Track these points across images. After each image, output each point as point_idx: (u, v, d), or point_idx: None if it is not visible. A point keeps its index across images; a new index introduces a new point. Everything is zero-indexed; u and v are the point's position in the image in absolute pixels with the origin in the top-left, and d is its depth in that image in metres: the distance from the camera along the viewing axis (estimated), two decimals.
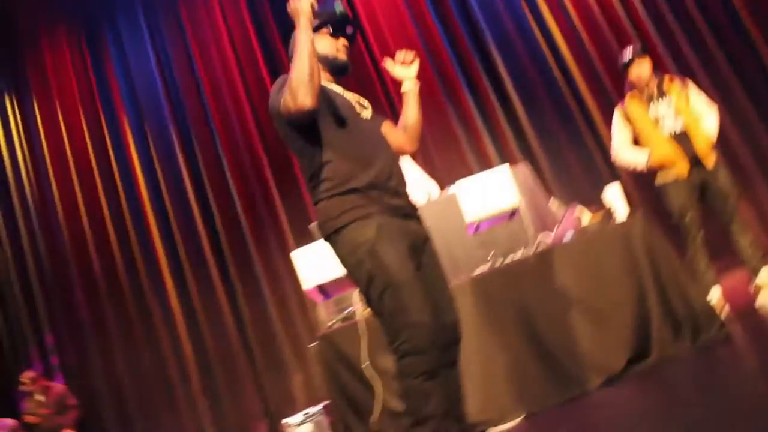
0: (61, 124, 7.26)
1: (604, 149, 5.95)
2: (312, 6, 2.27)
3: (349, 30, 2.53)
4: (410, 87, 2.67)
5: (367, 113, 2.49)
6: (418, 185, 5.05)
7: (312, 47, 2.22)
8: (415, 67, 2.70)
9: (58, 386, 6.41)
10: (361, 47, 6.77)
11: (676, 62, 6.11)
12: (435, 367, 2.22)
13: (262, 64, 7.06)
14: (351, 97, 2.49)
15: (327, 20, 2.48)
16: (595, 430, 2.61)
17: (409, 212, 2.40)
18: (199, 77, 7.13)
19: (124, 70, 7.35)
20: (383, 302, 2.24)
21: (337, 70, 2.52)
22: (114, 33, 7.40)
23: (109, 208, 7.10)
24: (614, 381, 3.12)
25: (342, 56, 2.52)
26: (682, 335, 3.18)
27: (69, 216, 7.09)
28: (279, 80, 2.39)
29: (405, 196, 2.41)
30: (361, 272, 2.26)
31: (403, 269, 2.22)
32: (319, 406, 3.73)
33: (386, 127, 2.58)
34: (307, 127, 2.30)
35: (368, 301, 2.31)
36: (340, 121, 2.34)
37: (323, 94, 2.32)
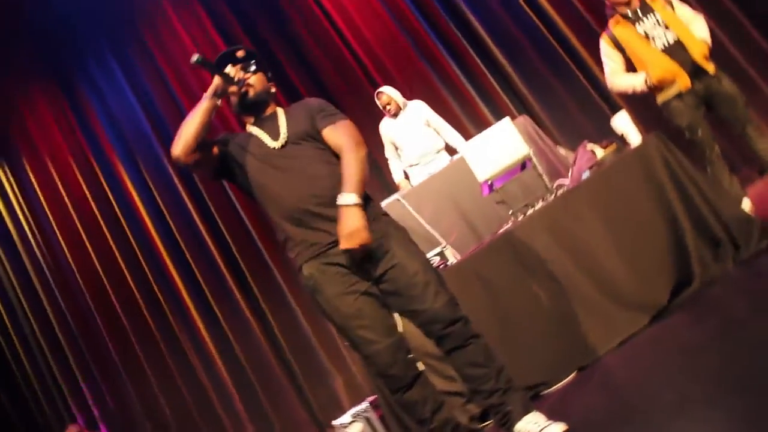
0: (57, 181, 7.21)
1: (600, 85, 5.78)
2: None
3: (228, 68, 2.46)
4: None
5: (278, 142, 2.40)
6: (430, 138, 4.95)
7: (197, 108, 2.40)
8: None
9: None
10: (326, 24, 6.63)
11: None
12: (404, 382, 2.32)
13: None
14: (260, 132, 2.45)
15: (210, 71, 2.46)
16: (650, 370, 2.48)
17: (332, 241, 2.29)
18: (179, 99, 7.02)
19: (105, 113, 7.26)
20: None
21: (246, 107, 2.51)
22: (87, 79, 7.32)
23: (120, 252, 7.03)
24: (663, 315, 2.97)
25: (239, 92, 2.47)
26: (723, 253, 3.03)
27: (83, 268, 7.04)
28: None
29: (322, 226, 2.30)
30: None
31: (339, 312, 2.31)
32: (365, 403, 3.62)
33: (327, 133, 2.43)
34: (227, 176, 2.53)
35: None
36: (244, 174, 2.44)
37: (229, 147, 2.48)
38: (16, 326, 7.28)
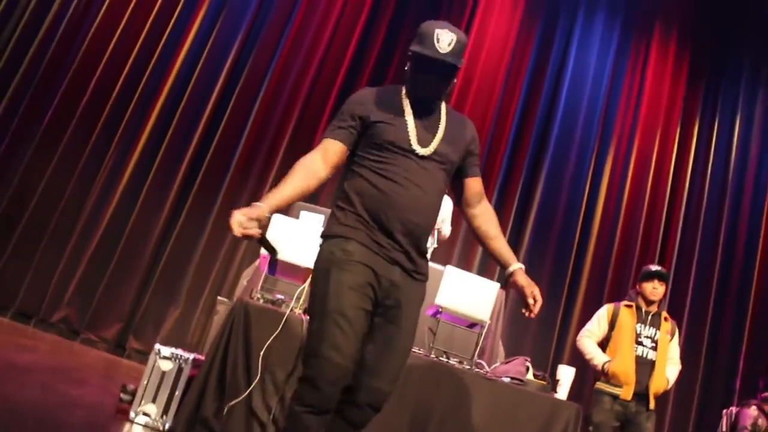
0: None
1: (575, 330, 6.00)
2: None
3: None
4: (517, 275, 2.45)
5: (425, 150, 2.31)
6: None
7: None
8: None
9: None
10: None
11: (671, 301, 6.27)
12: (325, 407, 2.15)
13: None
14: (412, 126, 2.33)
15: None
16: None
17: (398, 260, 2.28)
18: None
19: None
20: (312, 321, 2.22)
21: (417, 93, 2.38)
22: None
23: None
24: None
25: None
26: None
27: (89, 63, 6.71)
28: None
29: (404, 245, 2.28)
30: (313, 283, 2.29)
31: (342, 301, 2.17)
32: (191, 355, 3.58)
33: (470, 182, 2.49)
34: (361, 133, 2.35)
35: (310, 311, 2.28)
36: (379, 147, 2.31)
37: (371, 118, 2.32)
38: None
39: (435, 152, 2.32)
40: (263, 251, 3.67)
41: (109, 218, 6.21)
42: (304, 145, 6.45)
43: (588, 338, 4.26)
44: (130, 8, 6.64)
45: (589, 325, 4.33)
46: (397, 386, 2.32)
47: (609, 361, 4.08)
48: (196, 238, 6.34)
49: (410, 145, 2.29)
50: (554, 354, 6.09)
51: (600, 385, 4.12)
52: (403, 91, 2.40)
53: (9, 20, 6.64)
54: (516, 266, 2.41)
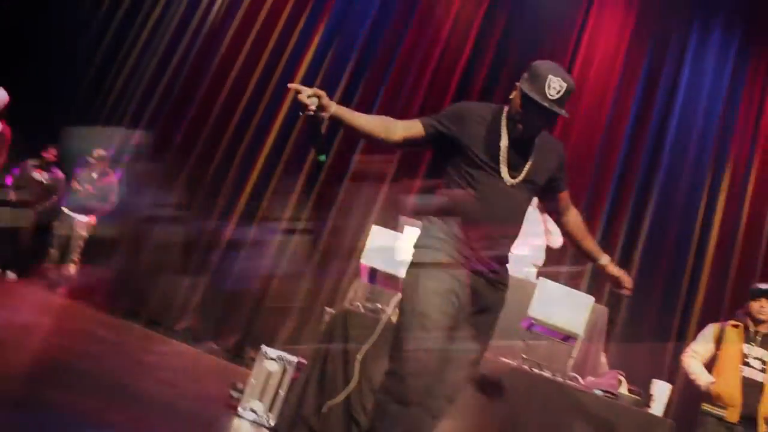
0: None
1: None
2: None
3: None
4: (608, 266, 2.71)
5: (513, 179, 2.45)
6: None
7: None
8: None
9: None
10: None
11: None
12: (409, 399, 2.31)
13: None
14: (505, 155, 2.45)
15: None
16: None
17: (480, 271, 2.44)
18: None
19: None
20: (400, 321, 2.41)
21: (517, 135, 2.47)
22: None
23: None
24: None
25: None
26: None
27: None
28: None
29: (486, 257, 2.45)
30: (404, 288, 2.46)
31: (427, 304, 2.34)
32: (295, 358, 3.83)
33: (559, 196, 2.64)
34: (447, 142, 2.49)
35: (399, 312, 2.47)
36: (469, 166, 2.45)
37: (457, 133, 2.46)
38: None
39: (522, 180, 2.47)
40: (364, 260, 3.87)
41: (229, 237, 6.72)
42: (416, 156, 6.70)
43: (692, 358, 4.14)
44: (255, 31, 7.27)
45: (694, 345, 4.21)
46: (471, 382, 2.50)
47: (713, 382, 3.96)
48: (309, 253, 6.69)
49: (499, 171, 2.44)
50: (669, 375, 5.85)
51: (705, 406, 3.99)
52: (504, 114, 2.50)
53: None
54: (605, 259, 2.69)
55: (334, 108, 2.29)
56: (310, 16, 7.42)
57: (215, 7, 7.63)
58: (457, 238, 2.41)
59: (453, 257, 2.41)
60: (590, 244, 2.72)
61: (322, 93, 2.24)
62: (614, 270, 2.69)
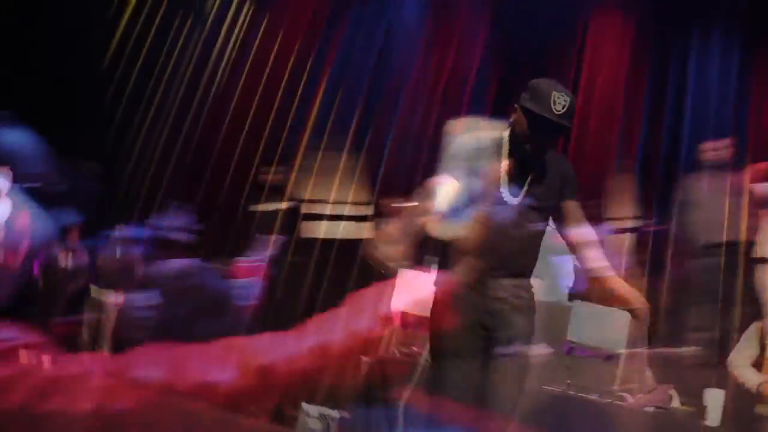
0: None
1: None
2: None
3: None
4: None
5: (516, 200, 2.47)
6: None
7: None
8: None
9: None
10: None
11: None
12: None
13: None
14: (506, 178, 2.47)
15: None
16: None
17: (502, 297, 2.46)
18: None
19: None
20: (430, 360, 2.60)
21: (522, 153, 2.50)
22: None
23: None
24: None
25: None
26: None
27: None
28: None
29: (507, 284, 2.47)
30: (430, 324, 2.58)
31: (453, 339, 2.43)
32: (337, 414, 3.80)
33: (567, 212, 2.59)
34: None
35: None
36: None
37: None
38: None
39: (526, 200, 2.48)
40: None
41: None
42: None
43: (739, 359, 4.03)
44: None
45: (738, 348, 4.11)
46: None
47: (764, 382, 3.84)
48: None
49: (502, 196, 2.46)
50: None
51: (759, 408, 3.87)
52: (506, 135, 2.51)
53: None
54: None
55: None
56: (316, 58, 7.41)
57: (222, 64, 7.68)
58: (473, 267, 2.43)
59: (473, 288, 2.45)
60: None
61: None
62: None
